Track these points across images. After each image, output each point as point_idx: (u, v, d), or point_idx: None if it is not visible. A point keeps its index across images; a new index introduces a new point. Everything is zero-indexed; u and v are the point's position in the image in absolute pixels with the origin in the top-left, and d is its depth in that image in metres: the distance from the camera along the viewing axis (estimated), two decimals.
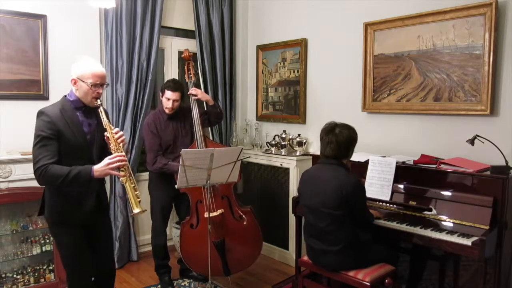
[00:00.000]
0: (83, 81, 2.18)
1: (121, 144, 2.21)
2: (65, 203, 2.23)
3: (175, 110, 3.22)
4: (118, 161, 2.13)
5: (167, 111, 3.20)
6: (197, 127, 3.23)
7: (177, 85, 3.18)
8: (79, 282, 2.32)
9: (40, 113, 2.16)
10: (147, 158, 3.30)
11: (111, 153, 2.20)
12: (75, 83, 2.21)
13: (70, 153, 2.17)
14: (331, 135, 2.45)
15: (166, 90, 3.15)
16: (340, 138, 2.43)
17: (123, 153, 2.18)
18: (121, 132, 2.24)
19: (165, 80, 3.56)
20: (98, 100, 2.22)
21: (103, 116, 2.22)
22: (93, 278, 2.41)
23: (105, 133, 2.22)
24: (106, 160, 2.13)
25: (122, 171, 2.16)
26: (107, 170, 2.12)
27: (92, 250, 2.37)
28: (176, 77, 4.21)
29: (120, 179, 2.18)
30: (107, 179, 3.43)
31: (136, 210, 2.13)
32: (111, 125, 2.23)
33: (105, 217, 2.48)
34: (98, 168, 2.12)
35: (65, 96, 2.26)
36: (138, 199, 2.16)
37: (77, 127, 2.21)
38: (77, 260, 2.28)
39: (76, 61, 2.23)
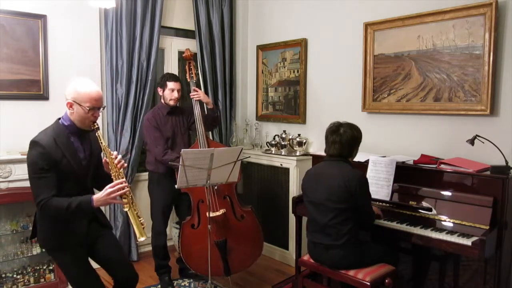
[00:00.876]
0: (80, 105, 2.08)
1: (121, 170, 2.13)
2: (56, 226, 2.15)
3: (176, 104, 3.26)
4: (120, 188, 2.05)
5: (171, 102, 3.22)
6: (199, 127, 3.24)
7: (177, 76, 3.30)
8: None
9: (34, 143, 2.04)
10: (147, 157, 3.31)
11: (105, 176, 2.11)
12: (70, 106, 2.10)
13: (64, 181, 2.09)
14: (335, 135, 2.49)
15: (168, 82, 3.20)
16: (344, 138, 2.47)
17: (124, 179, 2.09)
18: (119, 157, 2.16)
19: None
20: (95, 123, 2.13)
21: (101, 140, 2.13)
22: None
23: (104, 158, 2.15)
24: (108, 189, 2.04)
25: (125, 198, 2.08)
26: (109, 200, 2.05)
27: (106, 265, 2.33)
28: None
29: (123, 207, 2.10)
30: None
31: (142, 238, 2.07)
32: (109, 150, 2.15)
33: (106, 232, 2.37)
34: (98, 197, 2.04)
35: (59, 119, 2.17)
36: (143, 226, 2.09)
37: (73, 155, 2.12)
38: (79, 279, 2.23)
39: (71, 83, 2.12)
